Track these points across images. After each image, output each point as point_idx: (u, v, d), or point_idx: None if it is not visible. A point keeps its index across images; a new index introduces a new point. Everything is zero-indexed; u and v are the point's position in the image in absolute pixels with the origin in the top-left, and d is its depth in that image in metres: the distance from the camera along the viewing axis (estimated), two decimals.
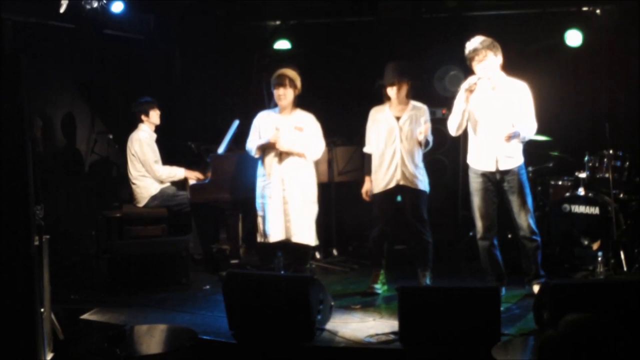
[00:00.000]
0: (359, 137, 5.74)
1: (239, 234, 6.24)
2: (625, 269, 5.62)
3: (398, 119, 5.32)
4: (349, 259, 6.60)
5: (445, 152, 6.70)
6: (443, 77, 6.70)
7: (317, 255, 6.46)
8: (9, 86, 3.59)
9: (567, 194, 5.97)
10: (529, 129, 5.03)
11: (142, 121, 6.43)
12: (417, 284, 5.25)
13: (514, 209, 5.09)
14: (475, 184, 5.15)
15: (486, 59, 4.93)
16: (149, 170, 6.34)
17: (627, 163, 5.87)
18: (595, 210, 5.76)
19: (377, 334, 4.38)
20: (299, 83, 5.48)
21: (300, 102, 5.58)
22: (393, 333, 4.33)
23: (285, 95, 5.45)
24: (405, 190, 5.35)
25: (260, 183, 5.55)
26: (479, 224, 5.16)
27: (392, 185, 5.34)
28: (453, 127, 5.15)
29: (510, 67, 5.12)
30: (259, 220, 5.54)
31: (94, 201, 6.77)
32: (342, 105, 7.07)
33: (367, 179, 5.51)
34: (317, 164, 5.77)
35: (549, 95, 5.86)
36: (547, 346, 1.96)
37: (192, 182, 6.34)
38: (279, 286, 4.44)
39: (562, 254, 5.87)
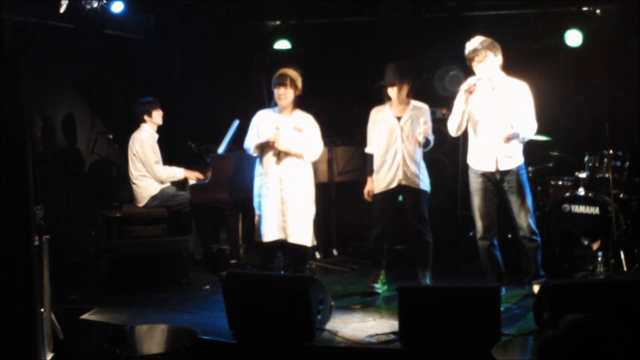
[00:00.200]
0: (359, 137, 5.74)
1: (239, 234, 6.23)
2: (625, 269, 5.62)
3: (399, 119, 5.32)
4: (349, 259, 6.59)
5: (445, 152, 6.70)
6: (443, 77, 6.70)
7: (317, 255, 6.45)
8: (9, 86, 3.59)
9: (567, 194, 5.97)
10: (529, 129, 5.02)
11: (144, 121, 6.42)
12: (417, 284, 5.25)
13: (514, 209, 5.09)
14: (475, 184, 5.15)
15: (486, 59, 4.93)
16: (150, 171, 6.33)
17: (627, 163, 5.87)
18: (595, 210, 5.76)
19: (377, 334, 4.38)
20: (300, 84, 5.48)
21: (300, 102, 5.58)
22: (393, 333, 4.33)
23: (285, 95, 5.45)
24: (406, 190, 5.34)
25: (257, 182, 5.55)
26: (479, 224, 5.16)
27: (393, 185, 5.34)
28: (453, 128, 5.15)
29: (510, 67, 5.12)
30: (256, 219, 5.55)
31: (94, 201, 6.79)
32: (342, 105, 7.06)
33: (369, 179, 5.50)
34: (317, 164, 5.77)
35: (549, 95, 5.86)
36: (547, 346, 1.96)
37: (192, 182, 6.33)
38: (279, 286, 4.43)
39: (562, 254, 5.87)
